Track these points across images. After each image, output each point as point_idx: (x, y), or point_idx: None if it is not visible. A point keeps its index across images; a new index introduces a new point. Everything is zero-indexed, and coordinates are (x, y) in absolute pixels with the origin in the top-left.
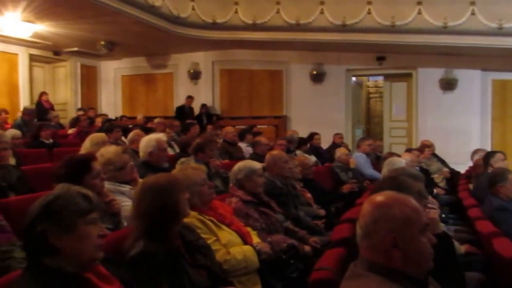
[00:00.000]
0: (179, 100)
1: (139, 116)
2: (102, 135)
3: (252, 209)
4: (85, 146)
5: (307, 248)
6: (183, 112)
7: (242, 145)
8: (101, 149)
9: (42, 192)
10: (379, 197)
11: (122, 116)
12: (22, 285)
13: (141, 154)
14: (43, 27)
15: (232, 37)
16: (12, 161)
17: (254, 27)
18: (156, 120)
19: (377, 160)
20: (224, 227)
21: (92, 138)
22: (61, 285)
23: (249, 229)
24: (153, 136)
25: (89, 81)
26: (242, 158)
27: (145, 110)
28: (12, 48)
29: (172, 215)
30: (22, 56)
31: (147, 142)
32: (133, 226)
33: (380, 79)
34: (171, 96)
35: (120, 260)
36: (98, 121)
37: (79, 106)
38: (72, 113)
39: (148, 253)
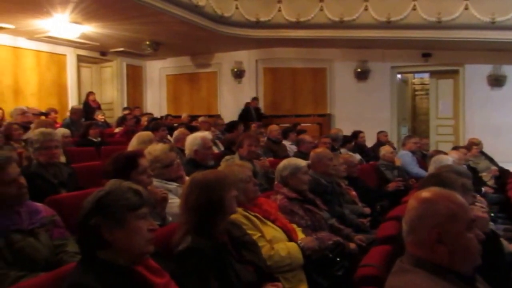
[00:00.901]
0: (223, 99)
1: (184, 115)
2: (148, 133)
3: (297, 206)
4: (132, 144)
5: (352, 246)
6: (249, 113)
7: (286, 143)
8: (148, 147)
9: (91, 189)
10: (425, 193)
11: (167, 115)
12: (78, 276)
13: (186, 152)
14: (90, 28)
15: (275, 36)
16: (62, 159)
17: (297, 25)
18: (200, 119)
19: (423, 159)
20: (269, 223)
21: (139, 136)
22: (114, 277)
23: (294, 226)
24: (199, 135)
25: (134, 81)
26: (286, 156)
27: (189, 109)
28: (61, 49)
29: (217, 210)
30: (70, 57)
31: (192, 140)
32: (181, 221)
33: (426, 76)
34: (214, 95)
35: (169, 255)
36: (144, 120)
37: (125, 105)
38: (118, 112)
39: (195, 248)
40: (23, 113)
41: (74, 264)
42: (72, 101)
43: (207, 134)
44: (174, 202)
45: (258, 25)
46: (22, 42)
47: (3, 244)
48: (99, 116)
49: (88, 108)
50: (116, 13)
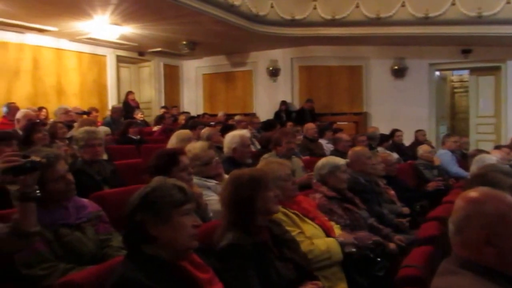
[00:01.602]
0: (258, 97)
1: (220, 113)
2: (187, 131)
3: (336, 205)
4: (171, 143)
5: (392, 246)
6: (304, 114)
7: (322, 141)
8: (188, 145)
9: (133, 185)
10: (473, 193)
11: (204, 114)
12: (126, 270)
13: (225, 150)
14: (129, 29)
15: (310, 34)
16: (104, 156)
17: (333, 23)
18: (236, 117)
19: (463, 158)
20: (308, 221)
21: (178, 134)
22: (160, 272)
23: (332, 223)
24: (237, 133)
25: (171, 80)
26: (323, 154)
27: (225, 107)
28: (101, 50)
29: (247, 209)
30: (110, 58)
31: (231, 138)
32: (221, 217)
33: (466, 73)
34: (250, 94)
35: (210, 251)
36: (181, 119)
37: (163, 104)
38: (156, 111)
39: (237, 245)
40: (67, 112)
41: (120, 258)
42: (112, 100)
43: (245, 133)
44: (213, 199)
45: (293, 23)
46: (65, 44)
47: (52, 238)
48: (138, 115)
49: (128, 107)
50: (154, 13)
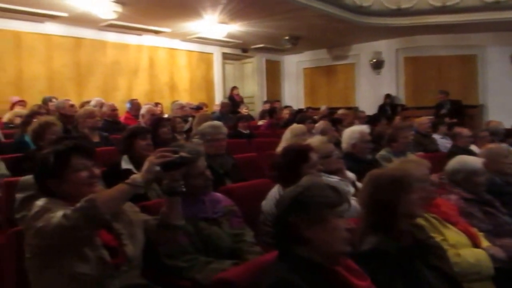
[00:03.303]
0: (361, 90)
1: (323, 107)
2: (301, 126)
3: (476, 208)
4: (286, 137)
5: None
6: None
7: (436, 136)
8: (308, 139)
9: (257, 180)
10: None
11: (307, 108)
12: (282, 272)
13: (343, 146)
14: (235, 27)
15: (418, 23)
16: None
17: (443, 10)
18: (340, 111)
19: None
20: (450, 226)
21: (292, 129)
22: (314, 275)
23: (475, 230)
24: (357, 128)
25: (273, 75)
26: (436, 150)
27: (326, 101)
28: (208, 49)
29: (389, 212)
30: (217, 55)
31: (350, 133)
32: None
33: None
34: (352, 87)
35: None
36: (285, 113)
37: (265, 98)
38: (258, 106)
39: (381, 250)
40: (182, 107)
41: (267, 256)
42: (218, 95)
43: (365, 128)
44: None
45: (399, 12)
46: (176, 44)
47: (193, 231)
48: (243, 110)
49: (233, 102)
50: (261, 10)
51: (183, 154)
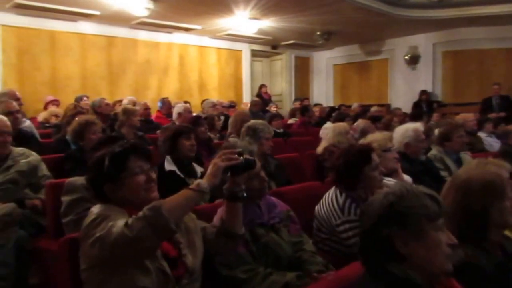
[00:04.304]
0: (395, 87)
1: (355, 105)
2: (344, 125)
3: None
4: (328, 136)
5: None
6: (490, 104)
7: (481, 134)
8: (369, 136)
9: (306, 182)
10: None
11: (340, 105)
12: None
13: (396, 145)
14: (267, 23)
15: (462, 14)
16: None
17: (489, 1)
18: (373, 109)
19: None
20: None
21: (335, 128)
22: None
23: None
24: (410, 126)
25: (302, 72)
26: (483, 149)
27: (357, 98)
28: (238, 46)
29: (481, 221)
30: (245, 52)
31: (403, 132)
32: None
33: None
34: (385, 83)
35: None
36: (316, 111)
37: (293, 96)
38: (287, 104)
39: (474, 265)
40: (214, 105)
41: (344, 271)
42: (246, 93)
43: (419, 126)
44: None
45: (441, 4)
46: (206, 41)
47: (250, 238)
48: (272, 108)
49: (262, 100)
50: (295, 5)
51: (247, 156)
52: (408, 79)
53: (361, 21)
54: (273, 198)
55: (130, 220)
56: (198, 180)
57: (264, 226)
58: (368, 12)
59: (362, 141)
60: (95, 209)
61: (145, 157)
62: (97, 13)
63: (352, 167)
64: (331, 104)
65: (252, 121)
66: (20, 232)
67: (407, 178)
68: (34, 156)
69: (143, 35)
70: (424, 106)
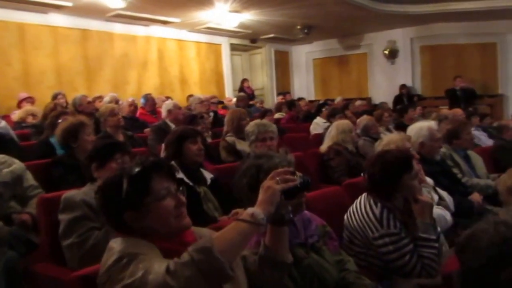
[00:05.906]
0: (375, 81)
1: (338, 99)
2: (348, 122)
3: None
4: (331, 134)
5: None
6: (455, 95)
7: None
8: (385, 137)
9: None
10: None
11: (326, 99)
12: None
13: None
14: (248, 16)
15: (437, 10)
16: None
17: None
18: (357, 103)
19: None
20: None
21: (337, 126)
22: None
23: None
24: (424, 124)
25: (282, 66)
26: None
27: (338, 92)
28: (217, 39)
29: None
30: (225, 46)
31: (418, 131)
32: None
33: None
34: (365, 78)
35: None
36: (303, 105)
37: (275, 91)
38: (268, 98)
39: None
40: (201, 102)
41: None
42: (228, 88)
43: (433, 124)
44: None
45: (419, 0)
46: (185, 35)
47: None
48: (258, 104)
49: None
50: None
51: (300, 174)
52: (387, 73)
53: (341, 15)
54: (306, 212)
55: (172, 265)
56: (251, 210)
57: (303, 247)
58: (348, 6)
59: (379, 143)
60: (116, 244)
61: (170, 176)
62: (69, 4)
63: (390, 175)
64: (312, 98)
65: (250, 123)
66: (9, 252)
67: (429, 180)
68: (17, 164)
69: (119, 28)
70: (405, 100)
